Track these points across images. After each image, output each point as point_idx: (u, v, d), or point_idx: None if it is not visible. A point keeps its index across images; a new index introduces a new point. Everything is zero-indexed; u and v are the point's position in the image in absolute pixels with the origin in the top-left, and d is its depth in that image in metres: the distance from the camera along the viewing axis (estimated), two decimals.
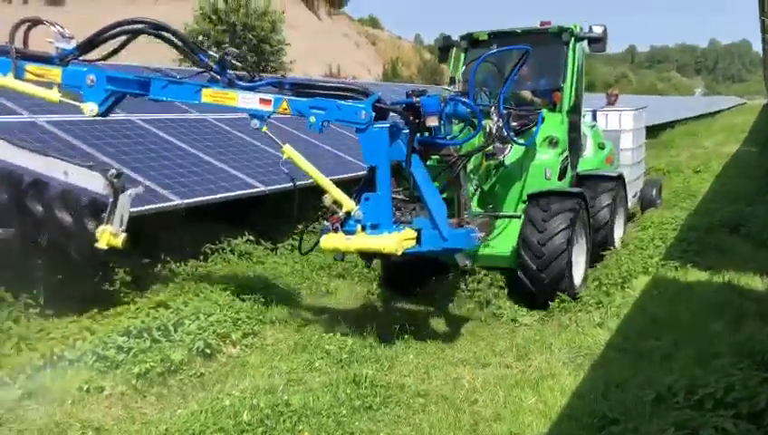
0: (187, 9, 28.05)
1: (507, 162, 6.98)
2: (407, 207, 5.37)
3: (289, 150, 5.41)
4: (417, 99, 5.19)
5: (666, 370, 4.73)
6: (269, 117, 5.44)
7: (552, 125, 7.32)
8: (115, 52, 5.56)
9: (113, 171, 5.22)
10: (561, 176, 7.36)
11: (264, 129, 5.41)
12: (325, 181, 5.41)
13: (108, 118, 6.10)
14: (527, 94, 7.87)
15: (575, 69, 7.66)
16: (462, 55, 8.02)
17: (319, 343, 5.60)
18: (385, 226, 5.11)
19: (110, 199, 5.13)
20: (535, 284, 6.40)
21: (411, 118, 5.21)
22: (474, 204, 6.78)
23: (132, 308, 5.77)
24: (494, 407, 4.58)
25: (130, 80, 5.57)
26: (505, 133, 6.21)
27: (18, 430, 4.12)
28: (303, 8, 51.42)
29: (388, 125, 5.13)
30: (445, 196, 5.44)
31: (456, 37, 8.05)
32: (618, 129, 10.93)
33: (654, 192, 11.20)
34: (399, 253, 5.03)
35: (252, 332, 5.82)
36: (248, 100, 5.40)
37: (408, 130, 5.21)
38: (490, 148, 6.40)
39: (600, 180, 8.11)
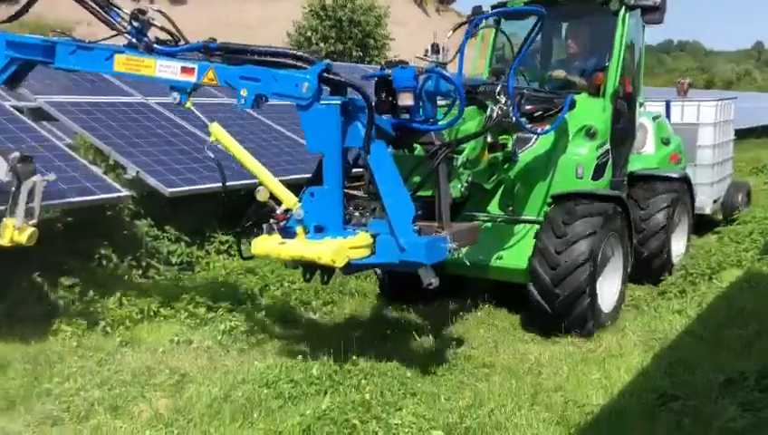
0: (297, 6, 28.99)
1: (529, 156, 6.02)
2: (368, 206, 4.39)
3: (217, 131, 4.57)
4: (389, 71, 4.40)
5: (743, 357, 4.68)
6: (194, 89, 4.53)
7: (591, 112, 6.20)
8: (19, 14, 4.86)
9: (16, 154, 4.63)
10: (598, 174, 6.18)
11: (189, 104, 4.55)
12: (259, 169, 4.55)
13: None
14: (566, 76, 6.70)
15: (623, 44, 6.41)
16: (493, 30, 7.07)
17: (394, 315, 5.98)
18: (332, 229, 4.21)
19: (13, 188, 4.62)
20: (548, 300, 5.30)
21: (384, 95, 4.42)
22: (493, 205, 6.19)
23: (224, 273, 6.35)
24: (556, 380, 4.64)
25: (33, 44, 4.83)
26: (513, 119, 5.13)
27: (115, 371, 4.64)
28: (412, 5, 51.79)
29: (338, 102, 4.15)
30: (427, 194, 4.62)
31: (486, 8, 6.61)
32: (695, 122, 9.60)
33: (740, 197, 9.96)
34: (339, 264, 4.10)
35: (331, 301, 6.26)
36: (167, 68, 4.49)
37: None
38: (511, 138, 5.75)
39: (657, 182, 7.10)
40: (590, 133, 6.13)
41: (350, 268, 4.31)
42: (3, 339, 5.04)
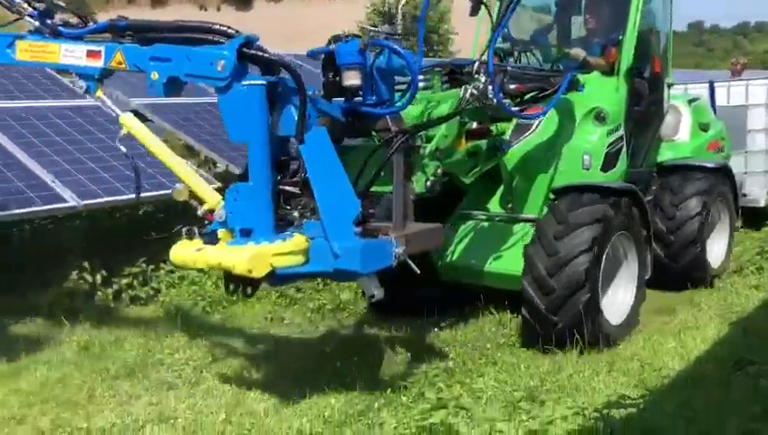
0: (362, 8, 29.60)
1: (529, 145, 5.18)
2: (309, 205, 3.70)
3: (128, 121, 4.05)
4: (333, 46, 3.79)
5: None
6: (103, 75, 3.97)
7: (601, 93, 5.41)
8: None
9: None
10: (609, 165, 5.32)
11: (99, 92, 4.09)
12: (177, 164, 4.01)
13: None
14: (585, 56, 5.71)
15: (638, 15, 5.57)
16: (497, 4, 5.79)
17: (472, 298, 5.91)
18: (260, 232, 3.56)
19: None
20: (543, 327, 4.61)
21: (332, 75, 3.80)
22: (494, 201, 5.49)
23: None
24: (632, 349, 4.74)
25: None
26: (494, 100, 4.37)
27: (218, 343, 5.08)
28: None
29: (262, 82, 3.54)
30: (385, 190, 4.03)
31: None
32: (744, 103, 8.60)
33: None
34: (258, 274, 3.48)
35: None
36: (72, 53, 3.95)
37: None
38: (511, 124, 5.08)
39: (690, 173, 6.15)
40: (599, 117, 5.33)
41: (278, 279, 3.68)
42: (116, 318, 5.65)
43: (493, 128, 4.95)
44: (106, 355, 4.86)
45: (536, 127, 5.32)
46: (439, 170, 4.35)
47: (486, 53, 4.38)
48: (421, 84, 4.51)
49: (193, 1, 56.21)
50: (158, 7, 53.23)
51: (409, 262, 3.69)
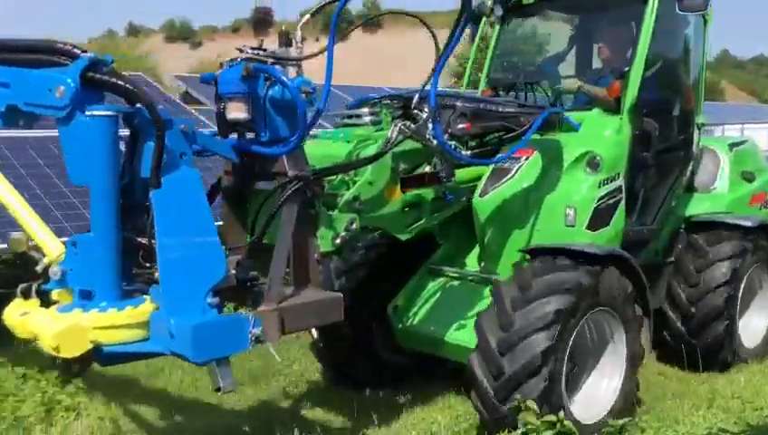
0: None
1: (505, 193, 4.31)
2: None
3: None
4: (219, 72, 3.20)
5: None
6: None
7: (598, 134, 4.52)
8: None
9: None
10: (600, 222, 4.35)
11: None
12: (16, 208, 3.16)
13: None
14: (580, 87, 4.97)
15: (650, 38, 4.63)
16: (497, 28, 5.41)
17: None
18: (102, 295, 2.88)
19: None
20: (492, 416, 3.73)
21: (221, 106, 3.20)
22: (472, 257, 4.70)
23: None
24: (733, 388, 4.65)
25: None
26: (434, 141, 3.67)
27: None
28: None
29: (110, 112, 2.85)
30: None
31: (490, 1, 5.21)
32: None
33: None
34: (67, 353, 2.74)
35: None
36: None
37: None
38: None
39: (722, 232, 5.13)
40: (591, 164, 4.38)
41: (110, 358, 2.92)
42: None
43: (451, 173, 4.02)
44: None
45: (515, 173, 4.41)
46: (354, 225, 3.53)
47: (430, 84, 3.58)
48: (367, 119, 3.91)
49: (292, 30, 57.68)
50: (260, 36, 55.00)
51: (270, 349, 2.91)
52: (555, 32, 5.71)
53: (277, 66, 3.19)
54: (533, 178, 4.43)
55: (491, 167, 4.48)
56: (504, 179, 4.44)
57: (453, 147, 3.76)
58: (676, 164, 5.16)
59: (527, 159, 4.49)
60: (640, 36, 4.64)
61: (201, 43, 76.71)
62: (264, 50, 3.15)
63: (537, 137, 4.49)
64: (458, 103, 3.87)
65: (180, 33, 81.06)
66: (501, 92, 5.34)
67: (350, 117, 4.05)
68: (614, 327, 4.06)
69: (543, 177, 4.43)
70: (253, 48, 3.12)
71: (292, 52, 3.23)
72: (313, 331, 4.73)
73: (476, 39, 5.50)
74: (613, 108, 4.65)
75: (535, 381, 3.59)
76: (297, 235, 3.23)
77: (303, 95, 3.14)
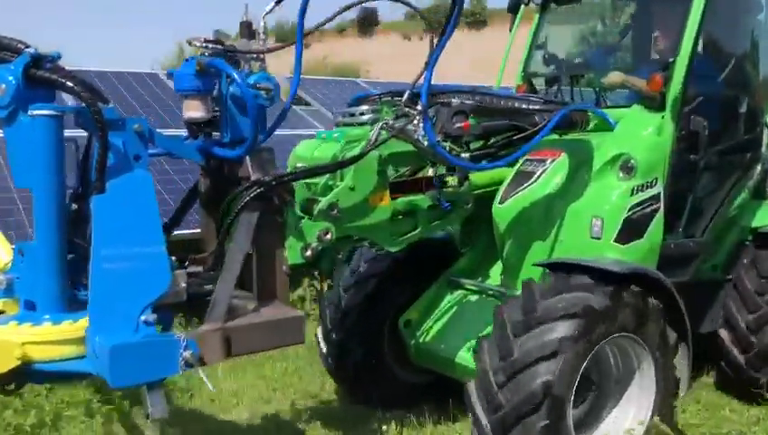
0: None
1: (525, 201, 3.92)
2: None
3: None
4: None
5: None
6: None
7: (635, 134, 3.95)
8: None
9: None
10: (632, 233, 3.80)
11: None
12: None
13: None
14: (624, 80, 4.26)
15: (699, 23, 3.98)
16: (537, 16, 4.96)
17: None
18: (45, 306, 2.66)
19: None
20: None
21: None
22: (495, 270, 4.27)
23: None
24: None
25: None
26: (424, 142, 3.25)
27: None
28: None
29: (51, 112, 2.58)
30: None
31: None
32: None
33: None
34: None
35: None
36: None
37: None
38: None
39: None
40: (625, 167, 3.84)
41: (45, 376, 2.69)
42: None
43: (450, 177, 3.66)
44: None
45: (538, 177, 3.98)
46: (329, 235, 3.15)
47: (423, 79, 3.17)
48: (366, 117, 3.56)
49: (399, 30, 57.51)
50: (365, 37, 55.04)
51: (202, 375, 2.58)
52: (605, 19, 5.14)
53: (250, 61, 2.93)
54: (558, 184, 3.95)
55: (513, 170, 4.10)
56: (526, 184, 4.01)
57: (447, 149, 3.34)
58: (737, 168, 4.48)
59: (553, 161, 4.03)
60: (688, 21, 4.02)
61: (309, 44, 78.45)
62: (222, 43, 2.88)
63: (566, 137, 4.04)
64: (454, 99, 3.41)
65: (290, 35, 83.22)
66: (540, 88, 4.88)
67: (352, 114, 3.71)
68: (641, 355, 3.52)
69: (569, 182, 3.93)
70: (207, 40, 2.84)
71: (254, 45, 2.94)
72: (321, 343, 4.45)
73: (513, 30, 5.00)
74: (657, 104, 4.04)
75: (536, 417, 3.12)
76: (261, 245, 2.97)
77: (263, 92, 2.86)
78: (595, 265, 3.41)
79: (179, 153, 3.06)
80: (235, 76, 2.76)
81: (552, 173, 3.97)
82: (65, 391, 4.34)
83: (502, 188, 4.11)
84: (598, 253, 3.75)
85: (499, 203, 4.07)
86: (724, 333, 4.50)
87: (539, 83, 4.93)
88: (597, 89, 4.65)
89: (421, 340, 4.23)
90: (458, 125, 3.33)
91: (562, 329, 3.16)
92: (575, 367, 3.20)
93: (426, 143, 3.22)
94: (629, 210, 3.80)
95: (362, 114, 3.51)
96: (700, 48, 4.25)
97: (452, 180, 3.67)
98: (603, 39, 5.06)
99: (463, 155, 3.39)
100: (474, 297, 4.25)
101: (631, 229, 3.80)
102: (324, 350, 4.43)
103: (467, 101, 3.40)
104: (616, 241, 3.77)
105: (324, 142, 3.45)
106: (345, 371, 4.39)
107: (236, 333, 2.75)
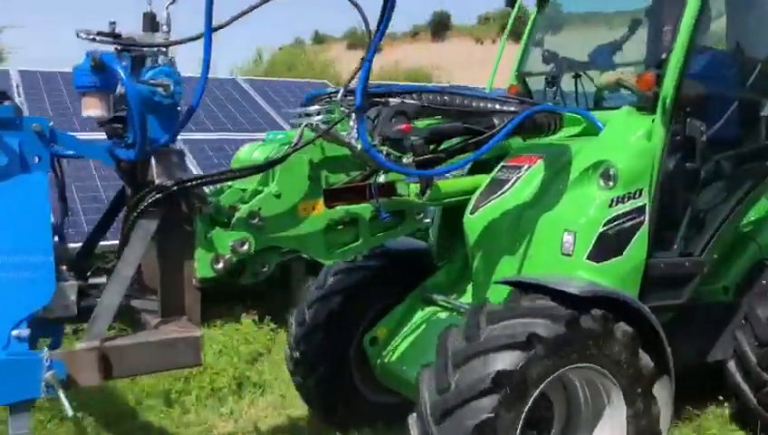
0: None
1: (495, 211, 3.56)
2: None
3: None
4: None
5: None
6: None
7: (620, 139, 3.51)
8: None
9: None
10: (608, 250, 3.32)
11: None
12: None
13: None
14: (618, 79, 3.81)
15: (696, 14, 3.50)
16: (534, 10, 4.56)
17: None
18: None
19: None
20: None
21: None
22: (469, 286, 3.87)
23: None
24: None
25: None
26: (357, 146, 2.90)
27: None
28: None
29: None
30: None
31: None
32: None
33: None
34: None
35: None
36: None
37: None
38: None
39: None
40: (605, 175, 3.38)
41: None
42: None
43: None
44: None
45: (510, 186, 3.60)
46: (246, 247, 2.84)
47: (357, 79, 2.83)
48: (317, 118, 3.21)
49: (471, 35, 56.73)
50: (438, 41, 54.59)
51: (62, 397, 2.31)
52: (612, 13, 4.69)
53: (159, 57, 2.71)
54: (531, 193, 3.56)
55: (489, 178, 3.74)
56: (498, 193, 3.65)
57: (384, 153, 3.00)
58: (750, 178, 3.95)
59: (528, 168, 3.65)
60: (685, 11, 3.53)
61: (381, 49, 78.43)
62: (117, 36, 2.66)
63: (547, 141, 3.66)
64: (394, 100, 3.04)
65: (361, 41, 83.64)
66: (536, 90, 4.49)
67: (308, 114, 3.43)
68: (610, 389, 3.09)
69: (544, 192, 3.54)
70: (100, 33, 2.63)
71: (158, 38, 2.70)
72: (287, 359, 4.19)
73: (508, 26, 4.61)
74: (650, 105, 3.57)
75: None
76: (165, 256, 2.74)
77: (161, 89, 2.62)
78: (553, 285, 3.01)
79: (88, 155, 2.89)
80: (120, 72, 2.52)
81: (525, 181, 3.60)
82: (148, 380, 4.61)
83: (474, 197, 3.75)
84: (568, 271, 3.33)
85: (470, 213, 3.71)
86: (733, 367, 4.01)
87: (536, 84, 4.53)
88: (596, 89, 4.22)
89: (386, 359, 3.91)
90: (398, 127, 2.96)
91: (504, 360, 2.76)
92: (519, 404, 2.79)
93: (359, 147, 2.89)
94: (606, 224, 3.34)
95: (312, 115, 3.22)
96: (713, 44, 3.79)
97: (405, 188, 3.33)
98: (610, 34, 4.59)
99: (406, 160, 3.04)
100: (444, 315, 3.89)
101: (607, 246, 3.34)
102: (291, 366, 4.17)
103: (410, 101, 3.06)
104: (589, 259, 3.32)
105: (264, 145, 3.20)
106: (309, 388, 4.11)
107: (116, 352, 2.50)
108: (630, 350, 3.05)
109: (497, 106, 3.25)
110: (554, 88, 4.40)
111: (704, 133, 3.55)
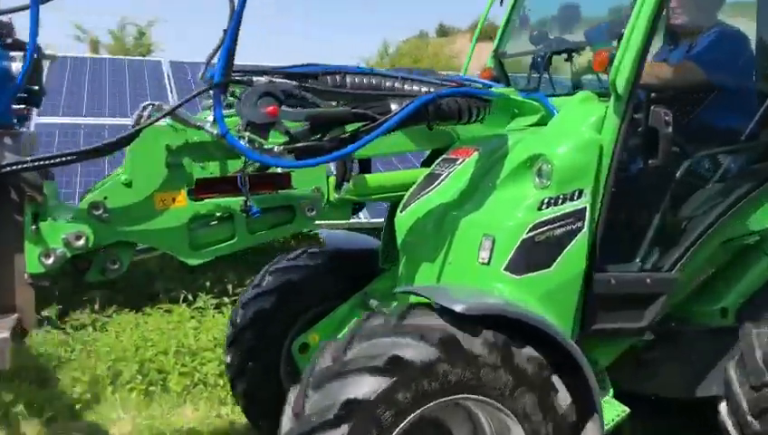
0: None
1: (423, 207, 3.11)
2: None
3: None
4: None
5: None
6: None
7: (563, 130, 2.97)
8: None
9: None
10: (532, 262, 2.80)
11: None
12: None
13: None
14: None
15: None
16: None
17: None
18: None
19: None
20: None
21: None
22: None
23: None
24: None
25: None
26: (212, 131, 2.51)
27: None
28: None
29: None
30: None
31: None
32: None
33: None
34: None
35: None
36: None
37: None
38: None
39: None
40: (540, 171, 2.84)
41: None
42: None
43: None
44: None
45: (440, 181, 3.13)
46: (82, 241, 2.53)
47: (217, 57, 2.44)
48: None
49: None
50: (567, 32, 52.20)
51: None
52: None
53: None
54: (459, 191, 3.07)
55: (426, 172, 3.30)
56: (427, 190, 3.19)
57: (247, 139, 2.60)
58: (743, 182, 3.24)
59: (462, 162, 3.17)
60: None
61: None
62: None
63: (494, 131, 3.17)
64: (259, 78, 2.61)
65: (486, 33, 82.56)
66: (516, 75, 3.95)
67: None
68: (512, 428, 2.59)
69: (473, 189, 3.04)
70: None
71: None
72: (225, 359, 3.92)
73: (489, 2, 4.07)
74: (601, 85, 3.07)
75: None
76: None
77: None
78: (439, 299, 2.55)
79: None
80: None
81: (455, 178, 3.11)
82: None
83: (407, 194, 3.31)
84: (485, 284, 2.83)
85: (400, 211, 3.28)
86: (724, 409, 3.33)
87: (516, 67, 3.99)
88: (572, 73, 3.64)
89: None
90: (263, 110, 2.57)
91: (359, 386, 2.34)
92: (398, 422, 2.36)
93: (215, 131, 2.54)
94: (531, 230, 2.79)
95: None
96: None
97: (305, 181, 2.95)
98: (609, 11, 3.96)
99: (276, 148, 2.64)
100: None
101: (531, 256, 2.79)
102: (226, 367, 3.90)
103: (282, 80, 2.66)
104: (507, 270, 2.79)
105: None
106: (238, 393, 3.82)
107: None
108: (539, 383, 2.53)
109: (397, 87, 2.77)
110: (542, 71, 3.83)
111: (669, 124, 2.89)
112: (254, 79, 2.59)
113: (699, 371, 3.42)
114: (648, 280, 3.02)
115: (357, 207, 3.51)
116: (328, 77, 2.75)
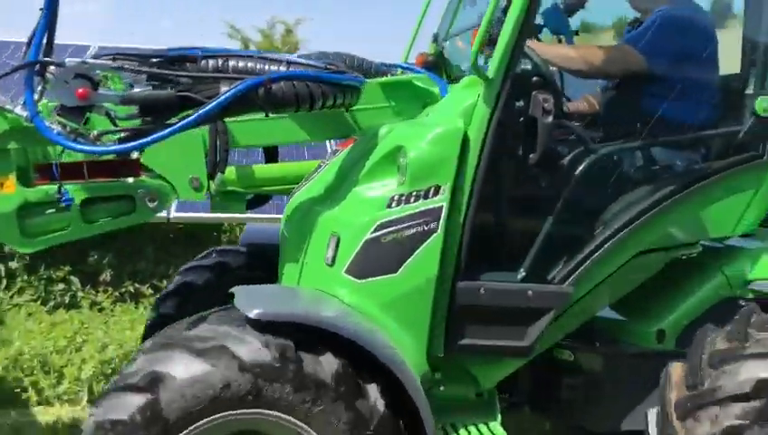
0: None
1: (296, 201, 2.90)
2: None
3: None
4: None
5: None
6: None
7: (433, 120, 2.65)
8: None
9: None
10: (375, 265, 2.47)
11: None
12: None
13: None
14: (466, 47, 2.89)
15: None
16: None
17: None
18: None
19: None
20: None
21: None
22: None
23: None
24: None
25: None
26: (22, 114, 2.36)
27: None
28: None
29: None
30: None
31: None
32: None
33: None
34: None
35: None
36: None
37: None
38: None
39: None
40: (398, 166, 2.54)
41: None
42: None
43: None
44: None
45: (314, 174, 2.94)
46: None
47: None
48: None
49: None
50: None
51: None
52: None
53: None
54: (326, 185, 2.83)
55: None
56: (303, 182, 2.99)
57: (56, 124, 2.40)
58: (671, 181, 2.75)
59: (337, 153, 2.92)
60: None
61: None
62: None
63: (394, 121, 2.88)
64: (72, 60, 2.38)
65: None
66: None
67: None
68: None
69: (339, 183, 2.77)
70: None
71: None
72: None
73: None
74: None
75: None
76: None
77: None
78: (241, 305, 2.32)
79: None
80: None
81: (327, 170, 2.88)
82: None
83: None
84: (329, 287, 2.55)
85: (288, 201, 3.08)
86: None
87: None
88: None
89: None
90: (72, 93, 2.41)
91: (123, 400, 2.16)
92: None
93: (25, 114, 2.42)
94: (377, 230, 2.46)
95: None
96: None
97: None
98: None
99: (92, 134, 2.48)
100: None
101: (374, 258, 2.47)
102: None
103: (100, 61, 2.50)
104: (348, 273, 2.49)
105: None
106: None
107: None
108: (344, 400, 2.23)
109: (258, 69, 2.52)
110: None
111: (549, 113, 2.47)
112: (67, 60, 2.44)
113: (632, 401, 2.95)
114: (530, 293, 2.60)
115: (260, 200, 3.32)
116: (209, 60, 2.55)
